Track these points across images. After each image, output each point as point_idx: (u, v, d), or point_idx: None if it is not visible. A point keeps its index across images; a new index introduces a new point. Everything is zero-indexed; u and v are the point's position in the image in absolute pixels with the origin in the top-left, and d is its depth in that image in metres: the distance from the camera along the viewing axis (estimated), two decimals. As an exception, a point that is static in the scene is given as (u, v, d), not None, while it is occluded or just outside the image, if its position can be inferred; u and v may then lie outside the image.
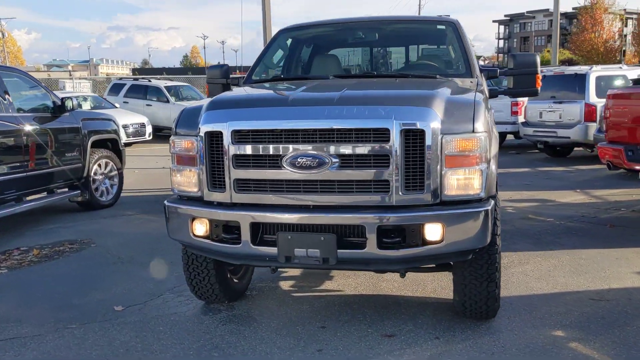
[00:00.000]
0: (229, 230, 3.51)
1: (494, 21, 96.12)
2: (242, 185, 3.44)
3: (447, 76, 4.37)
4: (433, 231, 3.24)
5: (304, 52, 5.15)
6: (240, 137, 3.41)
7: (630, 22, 69.91)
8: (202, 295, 4.22)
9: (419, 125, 3.21)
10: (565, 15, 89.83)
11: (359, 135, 3.25)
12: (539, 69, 4.42)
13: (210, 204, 3.56)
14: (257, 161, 3.39)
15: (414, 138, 3.21)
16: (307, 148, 3.30)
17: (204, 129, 3.51)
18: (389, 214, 3.22)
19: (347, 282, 4.68)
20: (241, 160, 3.42)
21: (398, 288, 4.54)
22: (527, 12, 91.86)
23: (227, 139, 3.42)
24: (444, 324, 3.87)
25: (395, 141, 3.20)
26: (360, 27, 5.25)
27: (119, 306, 4.35)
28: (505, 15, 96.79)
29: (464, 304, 3.74)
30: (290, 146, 3.33)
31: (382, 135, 3.22)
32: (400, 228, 3.24)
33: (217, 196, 3.52)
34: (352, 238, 3.33)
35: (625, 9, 71.51)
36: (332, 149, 3.26)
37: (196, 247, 3.71)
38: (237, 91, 4.40)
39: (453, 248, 3.26)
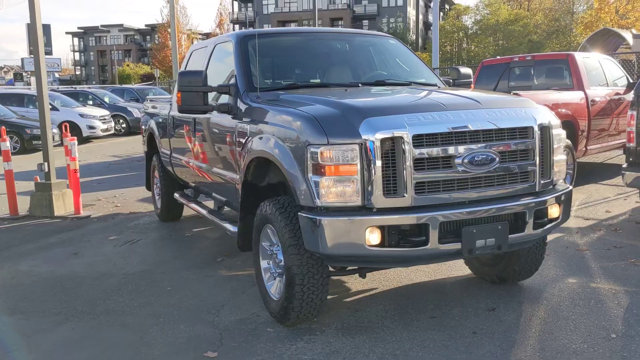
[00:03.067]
0: (413, 233, 3.55)
1: (67, 33, 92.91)
2: (420, 187, 3.54)
3: (423, 84, 5.09)
4: (556, 210, 4.00)
5: (281, 59, 5.06)
6: (419, 141, 3.52)
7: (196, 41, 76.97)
8: (302, 316, 3.95)
9: (547, 123, 3.93)
10: (139, 31, 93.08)
11: (512, 134, 3.78)
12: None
13: (383, 211, 3.52)
14: (434, 163, 3.56)
15: (543, 134, 3.91)
16: (480, 147, 3.65)
17: (381, 134, 3.46)
18: (538, 198, 3.85)
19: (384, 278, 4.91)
20: (421, 163, 3.53)
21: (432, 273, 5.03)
22: (102, 25, 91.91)
23: (407, 143, 3.48)
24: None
25: (536, 137, 3.85)
26: (323, 38, 5.47)
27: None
28: (79, 28, 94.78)
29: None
30: (463, 147, 3.62)
31: (527, 132, 3.82)
32: (543, 210, 3.90)
33: (393, 202, 3.51)
34: (516, 224, 3.81)
35: (192, 30, 78.28)
36: (494, 147, 3.70)
37: (368, 258, 3.58)
38: (338, 96, 4.16)
39: (565, 220, 4.09)
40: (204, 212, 5.69)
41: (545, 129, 3.89)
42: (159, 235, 6.88)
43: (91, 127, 19.10)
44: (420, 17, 69.23)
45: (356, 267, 4.14)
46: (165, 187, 7.12)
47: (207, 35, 75.90)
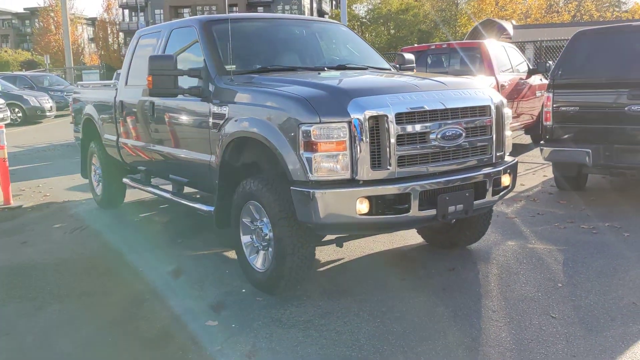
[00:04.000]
0: (396, 202, 3.97)
1: None
2: (402, 161, 3.97)
3: (378, 68, 5.54)
4: (507, 179, 4.58)
5: (247, 44, 5.26)
6: (400, 119, 3.93)
7: (87, 27, 73.61)
8: (290, 285, 4.25)
9: (499, 102, 4.48)
10: (17, 15, 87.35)
11: (474, 112, 4.29)
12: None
13: (370, 183, 3.91)
14: (413, 138, 4.00)
15: (498, 112, 4.46)
16: (450, 124, 4.13)
17: (367, 113, 3.83)
18: (495, 168, 4.40)
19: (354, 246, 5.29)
20: (402, 139, 3.95)
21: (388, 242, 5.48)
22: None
23: (391, 121, 3.89)
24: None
25: (493, 114, 4.39)
26: (283, 24, 5.74)
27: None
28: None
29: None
30: (437, 123, 4.08)
31: (486, 110, 4.35)
32: (499, 179, 4.45)
33: (379, 174, 3.90)
34: (479, 191, 4.32)
35: (75, 15, 74.68)
36: (461, 123, 4.20)
37: (358, 225, 3.95)
38: (317, 79, 4.49)
39: (513, 187, 4.68)
40: (166, 194, 5.80)
41: (499, 108, 4.42)
42: (106, 221, 6.86)
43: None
44: (315, 5, 70.06)
45: (334, 237, 4.48)
46: (107, 173, 7.08)
47: (93, 21, 72.71)
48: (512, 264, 4.86)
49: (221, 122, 4.58)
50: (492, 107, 4.34)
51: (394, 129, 3.86)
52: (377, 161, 3.86)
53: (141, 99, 5.87)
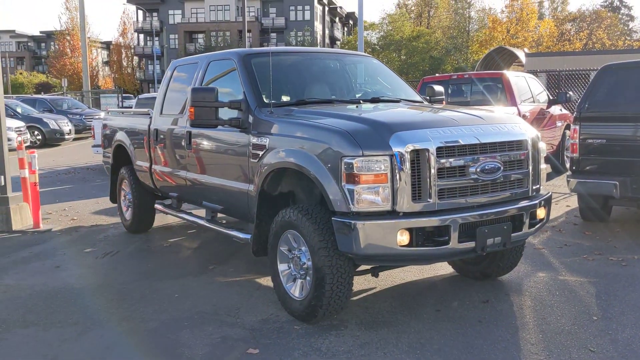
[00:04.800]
0: (436, 234, 4.04)
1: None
2: (441, 193, 4.04)
3: (410, 101, 5.65)
4: (542, 212, 4.64)
5: (284, 77, 5.39)
6: (440, 152, 4.02)
7: (101, 50, 74.68)
8: (328, 313, 4.31)
9: (535, 137, 4.56)
10: (33, 38, 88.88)
11: (511, 146, 4.37)
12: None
13: (410, 215, 3.98)
14: (453, 172, 4.08)
15: (533, 146, 4.54)
16: (489, 158, 4.21)
17: (409, 147, 3.93)
18: (531, 202, 4.46)
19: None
20: (442, 172, 4.03)
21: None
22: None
23: (432, 154, 3.98)
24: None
25: (529, 148, 4.47)
26: (319, 57, 5.90)
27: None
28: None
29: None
30: (476, 157, 4.16)
31: (522, 145, 4.43)
32: (535, 211, 4.51)
33: (419, 206, 3.98)
34: (516, 224, 4.38)
35: (90, 38, 75.86)
36: (499, 157, 4.28)
37: (397, 256, 4.02)
38: (356, 112, 4.64)
39: (547, 220, 4.74)
40: (201, 221, 5.89)
41: (534, 142, 4.50)
42: (136, 246, 6.96)
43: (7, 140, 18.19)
44: (327, 31, 70.86)
45: (369, 267, 4.54)
46: (138, 198, 7.19)
47: (108, 44, 73.78)
48: (545, 296, 4.89)
49: (261, 152, 4.68)
50: (529, 141, 4.43)
51: (434, 162, 3.95)
52: (417, 193, 3.94)
53: (177, 127, 5.99)
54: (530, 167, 4.45)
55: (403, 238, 3.91)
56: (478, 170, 4.11)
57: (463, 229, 4.05)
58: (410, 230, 3.92)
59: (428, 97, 6.03)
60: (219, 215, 5.95)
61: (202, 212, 6.20)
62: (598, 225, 7.29)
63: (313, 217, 4.21)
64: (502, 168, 4.23)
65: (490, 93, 9.97)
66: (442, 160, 3.99)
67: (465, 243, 4.07)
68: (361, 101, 5.27)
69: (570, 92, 10.65)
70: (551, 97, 11.03)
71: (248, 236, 4.96)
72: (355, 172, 3.87)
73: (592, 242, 6.59)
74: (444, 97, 6.20)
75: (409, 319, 4.46)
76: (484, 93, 10.08)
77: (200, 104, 4.81)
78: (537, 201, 4.46)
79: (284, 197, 4.83)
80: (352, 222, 3.88)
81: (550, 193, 4.72)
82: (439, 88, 6.17)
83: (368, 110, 4.80)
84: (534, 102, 10.51)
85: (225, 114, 5.05)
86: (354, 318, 4.49)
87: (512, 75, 10.19)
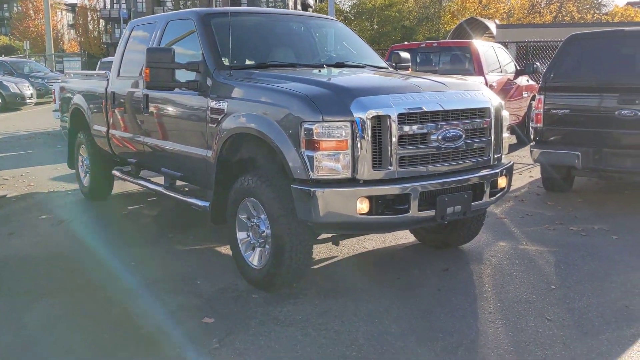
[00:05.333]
0: (396, 202, 3.98)
1: None
2: (402, 161, 3.97)
3: (375, 67, 5.54)
4: (503, 181, 4.61)
5: (245, 39, 5.21)
6: (402, 119, 3.94)
7: (67, 13, 72.54)
8: (287, 282, 4.27)
9: (498, 105, 4.51)
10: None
11: (474, 114, 4.31)
12: None
13: (370, 183, 3.91)
14: (414, 139, 4.00)
15: (496, 114, 4.48)
16: (451, 125, 4.14)
17: (370, 113, 3.83)
18: (492, 170, 4.43)
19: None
20: (403, 140, 3.95)
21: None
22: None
23: (393, 121, 3.89)
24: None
25: (492, 116, 4.42)
26: (282, 19, 5.71)
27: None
28: None
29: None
30: (438, 124, 4.09)
31: (485, 113, 4.38)
32: (495, 180, 4.48)
33: (379, 174, 3.91)
34: (476, 193, 4.35)
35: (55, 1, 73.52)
36: (461, 125, 4.21)
37: (357, 225, 3.95)
38: (318, 76, 4.48)
39: (508, 189, 4.72)
40: (159, 188, 5.74)
41: (497, 110, 4.45)
42: (93, 214, 6.79)
43: (-36, 103, 17.62)
44: (298, -2, 69.79)
45: (330, 236, 4.48)
46: (95, 164, 6.99)
47: (73, 7, 71.60)
48: (505, 265, 4.90)
49: (219, 117, 4.54)
50: (492, 109, 4.37)
51: (396, 129, 3.86)
52: (378, 161, 3.86)
53: (134, 90, 5.79)
54: (493, 136, 4.40)
55: (363, 206, 3.84)
56: (440, 138, 4.04)
57: (423, 197, 3.99)
58: (370, 198, 3.85)
59: (394, 64, 5.92)
60: (180, 182, 5.79)
61: (161, 180, 6.04)
62: (560, 196, 7.35)
63: (272, 185, 4.11)
64: (464, 136, 4.17)
65: (458, 62, 9.90)
66: (404, 128, 3.91)
67: (425, 211, 4.02)
68: (325, 66, 5.14)
69: (538, 63, 10.65)
70: (519, 68, 11.02)
71: (207, 204, 4.84)
72: (315, 138, 3.77)
73: (554, 212, 6.64)
74: (409, 63, 6.11)
75: (369, 288, 4.43)
76: (452, 62, 10.00)
77: (156, 65, 4.64)
78: (498, 170, 4.42)
79: (244, 163, 4.71)
80: (311, 189, 3.79)
81: (511, 162, 4.69)
82: (405, 54, 6.08)
83: (331, 75, 4.69)
84: (501, 72, 10.49)
85: (183, 76, 4.88)
86: (313, 286, 4.43)
87: (480, 45, 10.14)
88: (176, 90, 4.95)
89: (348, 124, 3.78)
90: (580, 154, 6.54)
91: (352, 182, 3.86)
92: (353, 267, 4.90)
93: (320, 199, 3.78)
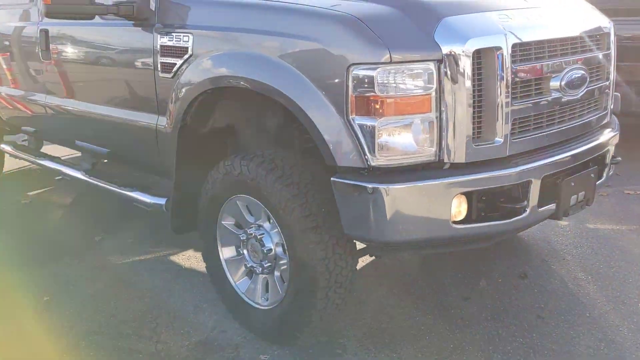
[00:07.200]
0: (508, 198, 2.37)
1: None
2: (514, 126, 2.35)
3: None
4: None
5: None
6: (515, 54, 2.30)
7: None
8: (318, 330, 2.62)
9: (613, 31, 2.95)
10: None
11: (597, 43, 2.74)
12: None
13: (465, 168, 2.27)
14: (528, 88, 2.39)
15: (614, 42, 2.93)
16: (574, 62, 2.55)
17: (471, 44, 2.16)
18: (614, 132, 2.91)
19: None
20: (515, 89, 2.32)
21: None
22: None
23: (506, 56, 2.24)
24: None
25: (612, 47, 2.86)
26: None
27: None
28: None
29: None
30: (559, 61, 2.49)
31: (605, 41, 2.82)
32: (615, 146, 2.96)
33: (482, 151, 2.28)
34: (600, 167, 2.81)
35: None
36: (584, 61, 2.63)
37: (450, 240, 2.32)
38: None
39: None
40: (75, 173, 3.80)
41: (614, 39, 2.88)
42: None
43: None
44: None
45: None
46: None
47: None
48: (603, 267, 3.44)
49: (179, 61, 2.69)
50: (611, 35, 2.79)
51: (510, 70, 2.19)
52: (478, 129, 2.19)
53: (24, 25, 3.78)
54: (612, 77, 2.83)
55: (460, 209, 2.18)
56: (563, 84, 2.40)
57: (545, 184, 2.38)
58: (469, 195, 2.19)
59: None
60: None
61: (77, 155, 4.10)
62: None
63: (289, 174, 2.37)
64: (588, 79, 2.56)
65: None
66: (519, 68, 2.24)
67: (546, 206, 2.42)
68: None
69: None
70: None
71: (162, 201, 3.03)
72: (378, 93, 2.05)
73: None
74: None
75: (437, 321, 2.83)
76: None
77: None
78: (617, 131, 2.88)
79: (220, 134, 2.92)
80: (373, 185, 2.09)
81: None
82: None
83: None
84: None
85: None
86: (352, 329, 2.78)
87: None
88: (96, 19, 3.01)
89: (432, 65, 2.07)
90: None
91: (438, 167, 2.18)
92: (402, 286, 3.25)
93: (390, 202, 2.09)
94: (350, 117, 2.14)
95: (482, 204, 2.29)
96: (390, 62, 2.08)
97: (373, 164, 2.15)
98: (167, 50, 2.77)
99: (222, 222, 2.76)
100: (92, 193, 4.73)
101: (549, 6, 2.61)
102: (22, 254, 3.70)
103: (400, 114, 2.12)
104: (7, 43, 4.11)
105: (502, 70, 2.21)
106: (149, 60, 2.87)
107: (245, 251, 2.71)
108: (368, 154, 2.14)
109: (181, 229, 2.98)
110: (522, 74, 2.30)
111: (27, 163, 5.39)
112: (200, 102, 2.69)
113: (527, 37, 2.29)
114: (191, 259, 3.59)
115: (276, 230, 2.51)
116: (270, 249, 2.57)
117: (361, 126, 2.13)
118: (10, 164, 5.43)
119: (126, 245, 3.86)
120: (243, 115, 2.87)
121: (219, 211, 2.73)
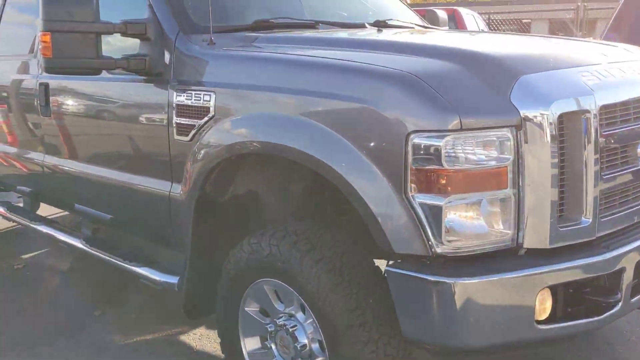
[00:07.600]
0: (598, 290, 1.97)
1: None
2: (606, 202, 1.98)
3: (422, 26, 3.56)
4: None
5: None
6: (603, 116, 1.94)
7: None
8: None
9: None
10: None
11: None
12: None
13: (547, 254, 1.88)
14: (614, 155, 2.03)
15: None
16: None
17: (559, 106, 1.80)
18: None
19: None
20: (607, 158, 1.96)
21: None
22: None
23: (594, 119, 1.88)
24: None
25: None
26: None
27: None
28: None
29: None
30: (644, 124, 2.12)
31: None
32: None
33: (567, 233, 1.89)
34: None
35: None
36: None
37: (534, 343, 1.91)
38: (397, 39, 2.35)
39: None
40: (73, 241, 3.40)
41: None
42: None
43: None
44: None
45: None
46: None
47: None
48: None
49: (198, 122, 2.32)
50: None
51: (597, 135, 1.83)
52: (561, 206, 1.82)
53: (23, 77, 3.47)
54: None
55: (545, 306, 1.78)
56: (656, 147, 2.05)
57: (638, 271, 1.98)
58: (554, 289, 1.80)
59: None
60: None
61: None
62: None
63: (328, 257, 1.98)
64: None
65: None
66: (606, 133, 1.88)
67: (638, 296, 2.02)
68: (366, 24, 2.99)
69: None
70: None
71: (174, 280, 2.62)
72: (445, 165, 1.68)
73: None
74: (447, 27, 4.13)
75: None
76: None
77: (63, 28, 2.34)
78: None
79: (241, 205, 2.54)
80: (440, 279, 1.69)
81: None
82: (442, 14, 4.09)
83: (415, 37, 2.54)
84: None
85: (116, 48, 2.62)
86: None
87: (464, 12, 8.54)
88: (103, 74, 2.66)
89: (508, 132, 1.71)
90: None
91: (515, 255, 1.80)
92: None
93: (461, 300, 1.70)
94: (410, 194, 1.76)
95: (573, 298, 1.89)
96: (461, 129, 1.71)
97: (439, 250, 1.76)
98: (184, 110, 2.41)
99: (245, 308, 2.35)
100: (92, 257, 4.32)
101: (629, 60, 2.26)
102: (10, 334, 3.27)
103: (471, 191, 1.74)
104: (4, 94, 3.79)
105: (590, 137, 1.84)
106: (163, 121, 2.51)
107: (273, 345, 2.29)
108: (432, 239, 1.76)
109: (194, 313, 2.57)
110: (609, 140, 1.93)
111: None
112: (221, 169, 2.32)
113: (613, 98, 1.94)
114: (203, 339, 3.17)
115: (310, 320, 2.10)
116: (305, 345, 2.16)
117: (423, 205, 1.76)
118: (3, 221, 5.01)
119: (129, 321, 3.43)
120: (265, 179, 2.50)
121: (242, 296, 2.33)
